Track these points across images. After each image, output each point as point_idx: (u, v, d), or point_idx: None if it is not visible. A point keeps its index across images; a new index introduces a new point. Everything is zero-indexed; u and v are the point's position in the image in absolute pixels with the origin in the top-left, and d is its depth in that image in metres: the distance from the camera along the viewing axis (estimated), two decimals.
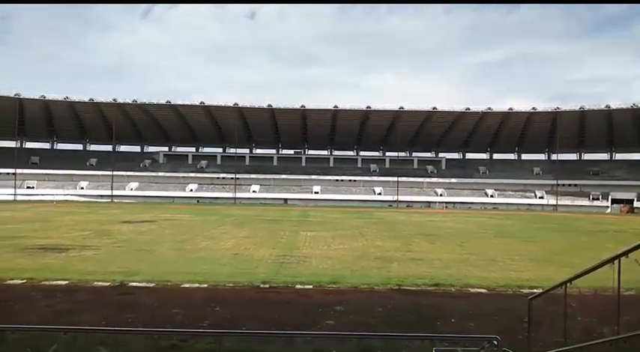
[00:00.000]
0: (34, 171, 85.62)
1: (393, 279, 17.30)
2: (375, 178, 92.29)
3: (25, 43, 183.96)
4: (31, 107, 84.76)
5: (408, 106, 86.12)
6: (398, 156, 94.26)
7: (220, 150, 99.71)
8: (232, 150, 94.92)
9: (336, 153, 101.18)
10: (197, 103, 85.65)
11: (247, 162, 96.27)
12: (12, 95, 79.60)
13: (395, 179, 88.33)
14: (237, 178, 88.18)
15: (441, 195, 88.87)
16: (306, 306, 13.55)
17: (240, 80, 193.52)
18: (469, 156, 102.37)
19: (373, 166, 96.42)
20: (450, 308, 13.46)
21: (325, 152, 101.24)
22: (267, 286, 16.10)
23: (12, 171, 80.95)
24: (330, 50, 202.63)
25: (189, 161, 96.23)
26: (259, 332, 10.85)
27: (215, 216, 49.25)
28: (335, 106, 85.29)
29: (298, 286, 16.18)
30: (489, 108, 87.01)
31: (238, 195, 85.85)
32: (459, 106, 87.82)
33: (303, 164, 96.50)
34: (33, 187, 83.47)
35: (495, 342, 6.38)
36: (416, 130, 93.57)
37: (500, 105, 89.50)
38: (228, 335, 9.66)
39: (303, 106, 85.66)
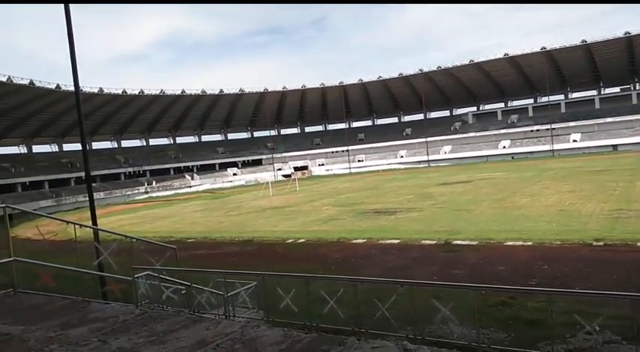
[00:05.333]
0: (361, 146, 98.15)
1: None
2: None
3: (342, 36, 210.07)
4: (353, 91, 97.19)
5: None
6: None
7: (531, 100, 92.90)
8: (545, 99, 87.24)
9: None
10: (501, 56, 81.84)
11: (563, 109, 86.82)
12: (337, 84, 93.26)
13: None
14: (553, 128, 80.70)
15: None
16: None
17: (546, 22, 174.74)
18: None
19: None
20: None
21: None
22: (600, 244, 14.59)
23: (345, 148, 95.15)
24: None
25: (499, 117, 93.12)
26: (598, 293, 9.99)
27: (532, 172, 46.65)
28: None
29: None
30: None
31: (556, 146, 78.58)
32: None
33: (634, 102, 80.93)
34: (362, 160, 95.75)
35: None
36: None
37: None
38: (560, 294, 9.25)
39: (627, 33, 71.50)
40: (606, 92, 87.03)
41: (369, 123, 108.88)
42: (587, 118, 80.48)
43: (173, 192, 74.49)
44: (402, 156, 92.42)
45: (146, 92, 75.30)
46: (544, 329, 7.78)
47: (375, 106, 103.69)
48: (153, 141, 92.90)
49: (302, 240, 20.55)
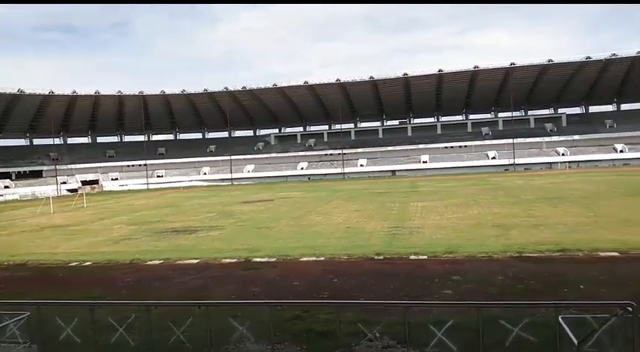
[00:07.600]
0: (161, 161, 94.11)
1: (512, 247, 16.63)
2: (487, 142, 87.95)
3: (145, 44, 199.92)
4: (154, 102, 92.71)
5: (520, 62, 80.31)
6: (512, 117, 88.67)
7: (326, 127, 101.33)
8: (338, 126, 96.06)
9: (443, 119, 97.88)
10: (301, 83, 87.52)
11: (353, 136, 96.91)
12: (137, 93, 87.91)
13: (510, 141, 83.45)
14: (344, 153, 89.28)
15: (563, 154, 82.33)
16: (422, 277, 13.55)
17: (342, 55, 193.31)
18: (593, 109, 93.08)
19: (485, 129, 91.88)
20: (578, 275, 12.65)
21: (432, 119, 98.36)
22: (381, 258, 16.32)
23: (143, 162, 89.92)
24: (432, 10, 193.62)
25: (298, 140, 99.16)
26: (377, 303, 11.11)
27: (325, 192, 50.48)
28: (439, 70, 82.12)
29: (412, 257, 16.19)
30: (614, 55, 78.04)
31: (346, 169, 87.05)
32: (577, 56, 79.91)
33: (409, 134, 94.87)
34: (162, 176, 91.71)
35: (630, 309, 5.94)
36: (530, 87, 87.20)
37: (628, 51, 79.38)
38: (347, 305, 10.03)
39: (405, 74, 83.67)
40: (388, 124, 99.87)
41: (171, 137, 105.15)
42: (372, 146, 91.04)
43: None
44: (205, 173, 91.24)
45: None
46: (333, 339, 8.17)
47: (178, 120, 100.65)
48: None
49: (88, 263, 18.52)
